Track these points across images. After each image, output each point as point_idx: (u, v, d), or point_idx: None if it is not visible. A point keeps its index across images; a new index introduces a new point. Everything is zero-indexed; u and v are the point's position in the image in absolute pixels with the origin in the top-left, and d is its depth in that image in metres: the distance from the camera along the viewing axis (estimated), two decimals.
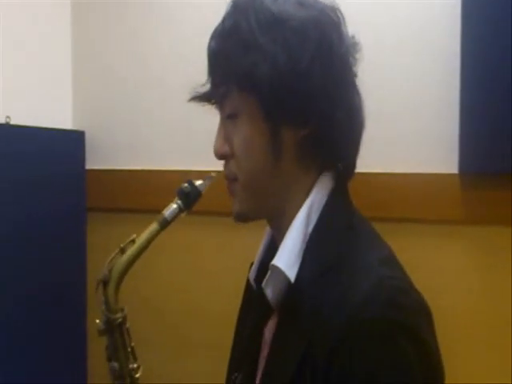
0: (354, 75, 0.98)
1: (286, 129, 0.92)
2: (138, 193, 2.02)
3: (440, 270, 1.65)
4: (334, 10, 0.95)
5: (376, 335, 0.80)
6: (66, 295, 2.00)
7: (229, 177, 0.98)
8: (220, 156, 0.98)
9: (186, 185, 1.00)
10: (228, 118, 0.96)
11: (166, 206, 1.87)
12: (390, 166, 1.71)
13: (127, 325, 1.02)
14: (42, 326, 1.88)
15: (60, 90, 2.13)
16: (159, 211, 1.88)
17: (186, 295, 1.96)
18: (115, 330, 1.01)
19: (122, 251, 1.00)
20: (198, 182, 1.00)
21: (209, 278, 1.93)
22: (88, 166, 2.09)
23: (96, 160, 2.08)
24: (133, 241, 1.00)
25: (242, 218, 0.99)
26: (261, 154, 0.93)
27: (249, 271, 1.08)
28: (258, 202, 0.97)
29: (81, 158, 2.08)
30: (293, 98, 0.90)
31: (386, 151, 1.72)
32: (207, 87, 0.99)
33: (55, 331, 1.93)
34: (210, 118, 1.90)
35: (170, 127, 2.00)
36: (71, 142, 2.06)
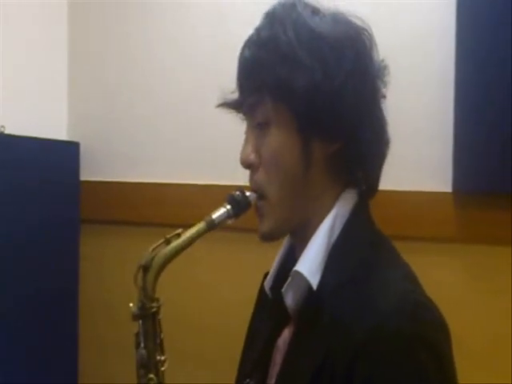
0: (383, 97, 1.00)
1: (317, 143, 0.94)
2: (132, 205, 2.01)
3: (433, 287, 1.64)
4: (367, 31, 0.98)
5: (399, 348, 0.82)
6: (59, 304, 1.98)
7: (255, 190, 0.98)
8: (247, 165, 0.98)
9: (237, 193, 0.98)
10: (258, 127, 0.97)
11: (160, 219, 1.90)
12: (383, 184, 1.71)
13: (160, 316, 1.02)
14: (34, 330, 1.88)
15: (55, 100, 2.12)
16: (154, 224, 1.91)
17: (180, 308, 1.95)
18: (149, 318, 1.01)
19: (167, 242, 0.98)
20: (249, 193, 0.99)
21: (204, 291, 1.93)
22: (82, 178, 2.08)
23: (90, 171, 2.08)
24: (178, 234, 0.98)
25: (270, 237, 0.99)
26: (291, 166, 0.94)
27: (262, 281, 1.08)
28: (285, 216, 0.97)
29: (75, 169, 2.07)
30: (326, 113, 0.92)
31: None
32: (236, 95, 0.99)
33: (47, 337, 1.92)
34: (208, 129, 1.92)
35: (166, 140, 2.00)
36: (66, 153, 2.05)
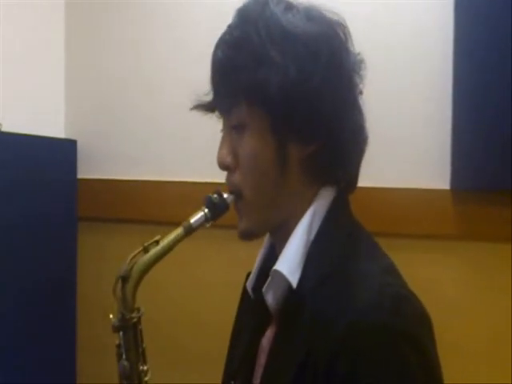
0: (360, 92, 0.99)
1: (293, 144, 0.93)
2: (129, 203, 2.01)
3: (431, 284, 1.65)
4: (342, 26, 0.96)
5: (379, 343, 0.81)
6: (56, 303, 1.99)
7: (232, 190, 0.97)
8: (224, 167, 0.97)
9: (215, 195, 0.98)
10: (234, 129, 0.96)
11: (158, 217, 1.90)
12: (381, 181, 1.71)
13: (141, 326, 1.01)
14: (32, 329, 1.88)
15: (52, 98, 2.12)
16: (152, 222, 1.90)
17: (183, 306, 1.95)
18: (129, 329, 0.99)
19: (145, 250, 0.97)
20: (226, 195, 0.98)
21: (207, 289, 1.92)
22: (80, 175, 2.08)
23: (88, 169, 2.07)
24: (156, 242, 0.97)
25: (249, 235, 0.99)
26: (266, 168, 0.93)
27: (245, 281, 1.07)
28: (263, 216, 0.97)
29: (73, 166, 2.07)
30: (302, 113, 0.91)
31: (378, 166, 1.72)
32: (210, 96, 0.98)
33: (45, 336, 1.92)
34: (206, 128, 1.90)
35: (164, 137, 1.99)
36: (63, 151, 2.05)
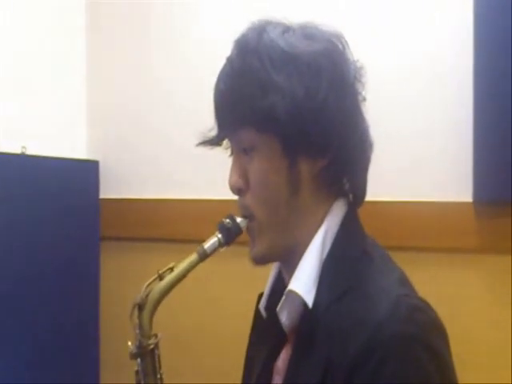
0: (363, 99, 0.99)
1: (304, 162, 0.93)
2: (151, 222, 2.02)
3: (453, 298, 1.64)
4: (339, 37, 0.97)
5: (397, 352, 0.82)
6: (80, 323, 2.00)
7: (244, 214, 0.98)
8: (236, 191, 0.98)
9: (227, 220, 0.98)
10: (243, 151, 0.96)
11: (180, 235, 1.91)
12: (403, 195, 1.71)
13: (158, 351, 1.01)
14: (55, 350, 1.89)
15: (74, 119, 2.15)
16: (173, 240, 1.91)
17: (198, 325, 1.95)
18: (147, 355, 1.00)
19: (160, 277, 0.98)
20: (239, 219, 0.98)
21: (222, 307, 1.92)
22: (102, 196, 2.10)
23: (110, 189, 2.09)
24: (171, 268, 0.98)
25: (261, 259, 0.99)
26: (278, 188, 0.94)
27: (257, 302, 1.08)
28: (276, 237, 0.97)
29: (95, 187, 2.09)
30: (311, 131, 0.91)
31: (399, 180, 1.72)
32: (215, 131, 0.99)
33: (69, 357, 1.94)
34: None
35: (184, 157, 2.00)
36: (85, 172, 2.08)
